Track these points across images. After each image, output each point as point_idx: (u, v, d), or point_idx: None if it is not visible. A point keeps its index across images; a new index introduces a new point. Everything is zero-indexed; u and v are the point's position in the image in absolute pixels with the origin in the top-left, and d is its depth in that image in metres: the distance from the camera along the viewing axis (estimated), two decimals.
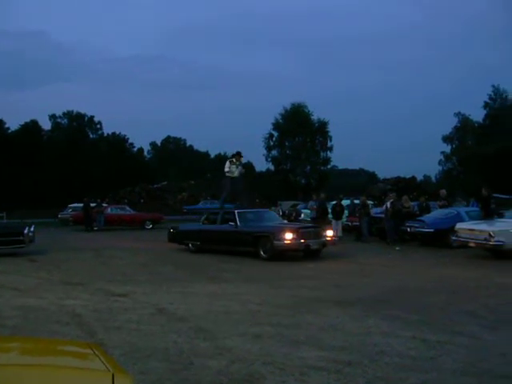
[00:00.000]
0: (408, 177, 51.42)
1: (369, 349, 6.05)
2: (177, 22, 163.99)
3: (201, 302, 9.02)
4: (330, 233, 16.49)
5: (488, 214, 17.75)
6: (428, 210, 20.88)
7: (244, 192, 19.60)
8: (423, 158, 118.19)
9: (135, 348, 6.17)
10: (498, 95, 64.84)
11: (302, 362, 5.59)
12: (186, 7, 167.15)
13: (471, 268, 13.21)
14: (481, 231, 14.84)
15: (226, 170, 18.14)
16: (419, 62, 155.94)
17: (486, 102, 65.44)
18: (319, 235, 15.66)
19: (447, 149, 69.09)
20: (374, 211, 23.15)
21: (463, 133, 67.02)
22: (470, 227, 15.56)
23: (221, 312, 8.17)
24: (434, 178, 76.62)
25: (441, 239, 17.63)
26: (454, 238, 16.19)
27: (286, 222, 19.76)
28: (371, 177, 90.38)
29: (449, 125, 68.68)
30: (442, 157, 69.67)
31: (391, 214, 19.81)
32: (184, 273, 13.00)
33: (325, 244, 15.73)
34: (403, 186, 43.20)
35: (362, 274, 12.42)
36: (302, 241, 14.95)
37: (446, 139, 68.84)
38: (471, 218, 17.53)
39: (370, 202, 25.26)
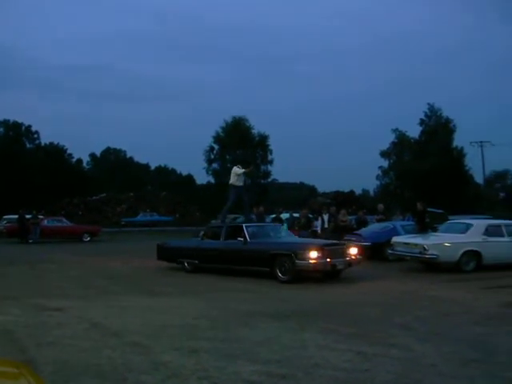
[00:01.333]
0: (347, 191, 52.31)
1: (304, 362, 6.09)
2: (113, 31, 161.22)
3: (137, 316, 8.91)
4: (353, 251, 13.89)
5: (423, 228, 18.22)
6: (365, 224, 21.28)
7: (248, 203, 17.58)
8: (362, 172, 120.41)
9: (68, 365, 6.02)
10: (433, 112, 66.74)
11: (237, 376, 5.58)
12: (120, 16, 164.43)
13: (406, 281, 13.48)
14: (416, 245, 15.22)
15: (235, 178, 16.06)
16: (359, 78, 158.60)
17: (421, 119, 67.25)
18: (344, 253, 13.59)
19: (385, 164, 70.60)
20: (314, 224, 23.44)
21: (400, 148, 68.63)
22: (406, 241, 15.94)
23: (157, 326, 8.08)
24: (372, 193, 78.19)
25: (377, 252, 17.94)
26: (390, 251, 16.53)
27: (303, 237, 17.57)
28: (311, 190, 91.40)
29: (387, 140, 70.27)
30: (379, 172, 71.15)
31: (332, 228, 20.26)
32: (121, 286, 12.79)
33: (350, 264, 13.63)
34: (342, 199, 43.81)
35: (296, 287, 12.49)
36: (328, 260, 12.89)
37: (384, 154, 70.36)
38: (407, 232, 17.94)
39: (309, 216, 25.55)
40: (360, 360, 6.19)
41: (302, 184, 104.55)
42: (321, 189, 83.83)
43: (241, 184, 16.20)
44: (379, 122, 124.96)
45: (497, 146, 75.44)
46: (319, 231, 21.10)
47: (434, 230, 17.64)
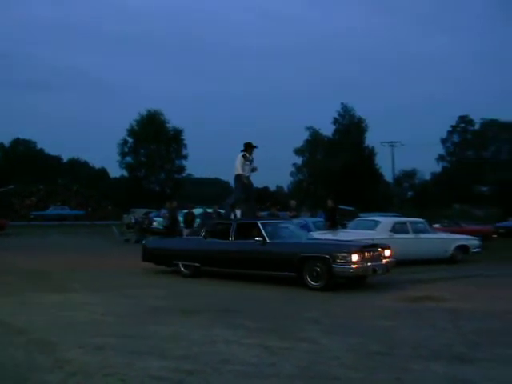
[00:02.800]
0: (261, 187, 52.81)
1: (212, 357, 6.11)
2: (22, 19, 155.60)
3: (43, 313, 8.64)
4: (387, 252, 12.09)
5: (333, 224, 18.68)
6: None
7: (252, 197, 14.89)
8: (276, 169, 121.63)
9: None
10: (346, 112, 68.39)
11: (145, 372, 5.53)
12: (31, 3, 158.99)
13: None
14: None
15: (239, 168, 13.86)
16: (275, 77, 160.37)
17: (335, 118, 68.81)
18: (381, 256, 11.91)
19: (299, 161, 71.80)
20: None
21: (314, 146, 69.97)
22: (315, 237, 16.25)
23: (63, 323, 7.88)
24: (286, 189, 79.37)
25: None
26: None
27: (333, 237, 15.46)
28: (226, 186, 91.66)
29: (301, 138, 71.45)
30: (293, 168, 72.31)
31: None
32: (28, 282, 12.36)
33: (388, 268, 11.99)
34: (256, 195, 44.17)
35: (209, 282, 12.52)
36: (369, 264, 11.32)
37: (298, 152, 71.57)
38: (317, 229, 18.31)
39: (222, 212, 25.60)
40: (268, 354, 6.27)
41: (217, 179, 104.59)
42: None
43: (248, 174, 14.06)
44: (295, 119, 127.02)
45: (406, 146, 78.06)
46: None
47: (344, 226, 18.11)
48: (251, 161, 14.13)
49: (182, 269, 13.37)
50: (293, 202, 23.13)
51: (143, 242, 15.40)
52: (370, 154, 66.58)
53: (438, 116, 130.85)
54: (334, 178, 56.26)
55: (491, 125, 78.98)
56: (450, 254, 17.34)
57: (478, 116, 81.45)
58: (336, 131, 68.23)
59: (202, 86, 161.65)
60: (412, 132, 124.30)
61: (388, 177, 73.01)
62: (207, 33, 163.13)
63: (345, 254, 11.02)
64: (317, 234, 16.72)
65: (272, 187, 76.46)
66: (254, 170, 14.23)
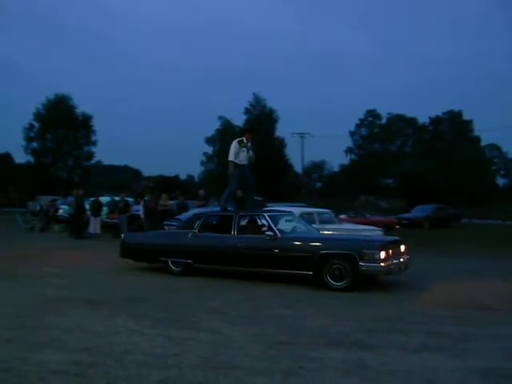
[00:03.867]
0: (172, 175, 52.38)
1: (114, 348, 6.02)
2: None
3: None
4: (403, 248, 11.21)
5: None
6: (186, 209, 21.47)
7: (253, 187, 13.25)
8: (188, 157, 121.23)
9: None
10: (257, 102, 68.80)
11: (42, 366, 5.38)
12: None
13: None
14: None
15: (232, 155, 12.55)
16: (190, 66, 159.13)
17: (246, 108, 69.09)
18: (402, 252, 11.12)
19: (210, 150, 71.70)
20: (135, 209, 23.23)
21: (225, 136, 70.05)
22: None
23: None
24: (196, 178, 79.13)
25: None
26: None
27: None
28: (136, 174, 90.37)
29: (212, 127, 71.37)
30: (204, 158, 72.11)
31: (145, 212, 20.38)
32: None
33: (407, 265, 11.10)
34: (166, 184, 43.82)
35: (114, 272, 12.36)
36: (396, 261, 10.51)
37: (209, 141, 71.47)
38: None
39: (130, 200, 25.29)
40: (171, 345, 6.25)
41: (126, 167, 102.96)
42: (146, 172, 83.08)
43: (244, 162, 12.69)
44: (207, 108, 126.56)
45: (316, 138, 79.63)
46: (142, 215, 21.01)
47: None
48: (248, 148, 12.86)
49: (172, 266, 12.11)
50: (201, 192, 23.07)
51: (122, 236, 13.64)
52: (280, 144, 67.39)
53: (348, 109, 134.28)
54: None
55: (397, 119, 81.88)
56: None
57: (384, 110, 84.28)
58: (247, 121, 68.53)
59: (112, 72, 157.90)
60: (322, 124, 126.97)
61: (297, 168, 74.31)
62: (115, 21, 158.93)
63: (373, 251, 10.12)
64: None
65: (183, 176, 76.17)
66: (250, 158, 12.88)
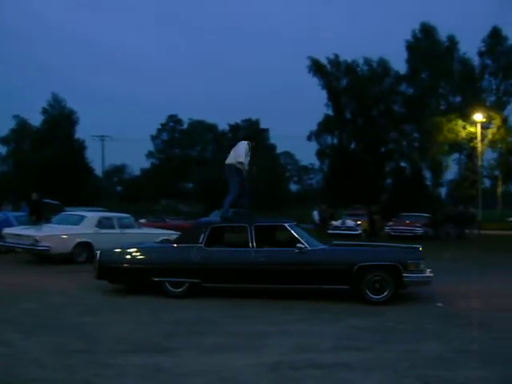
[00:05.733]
0: None
1: None
2: None
3: None
4: None
5: (38, 218, 18.05)
6: None
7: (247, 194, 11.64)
8: None
9: None
10: (56, 102, 66.17)
11: None
12: None
13: (16, 274, 13.20)
14: (28, 236, 14.98)
15: (243, 156, 11.03)
16: None
17: (44, 108, 66.16)
18: None
19: (4, 150, 67.65)
20: None
21: (20, 136, 66.46)
22: (17, 232, 15.56)
23: None
24: None
25: None
26: (1, 243, 15.89)
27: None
28: None
29: (7, 127, 67.43)
30: None
31: None
32: None
33: None
34: None
35: None
36: (429, 271, 10.05)
37: (3, 141, 67.48)
38: (20, 223, 17.53)
39: None
40: None
41: None
42: None
43: (246, 168, 11.15)
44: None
45: (117, 141, 78.59)
46: None
47: (49, 221, 17.58)
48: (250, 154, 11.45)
49: (169, 287, 10.18)
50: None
51: (97, 253, 10.85)
52: (80, 147, 65.44)
53: (151, 114, 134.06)
54: (41, 169, 53.98)
55: (198, 125, 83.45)
56: None
57: (186, 116, 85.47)
58: (45, 122, 65.65)
59: None
60: (124, 128, 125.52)
61: (98, 171, 72.58)
62: None
63: (417, 261, 9.77)
64: (17, 229, 15.99)
65: None
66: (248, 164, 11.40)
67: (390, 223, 30.78)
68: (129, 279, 10.69)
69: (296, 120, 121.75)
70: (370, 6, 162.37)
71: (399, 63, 53.49)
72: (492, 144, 46.93)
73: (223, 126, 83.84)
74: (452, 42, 49.60)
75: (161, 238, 17.97)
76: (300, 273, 9.82)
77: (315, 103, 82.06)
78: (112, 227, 16.32)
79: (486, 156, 48.29)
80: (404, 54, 50.76)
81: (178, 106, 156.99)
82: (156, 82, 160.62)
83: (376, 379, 5.47)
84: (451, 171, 50.46)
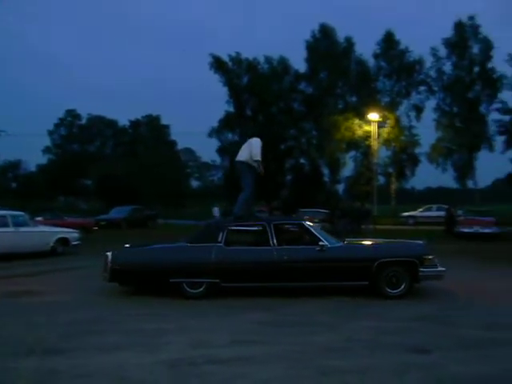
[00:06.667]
0: None
1: None
2: None
3: None
4: None
5: None
6: None
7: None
8: None
9: None
10: None
11: None
12: None
13: None
14: None
15: (259, 153, 10.93)
16: None
17: None
18: None
19: None
20: None
21: None
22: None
23: None
24: None
25: None
26: None
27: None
28: None
29: None
30: None
31: None
32: None
33: None
34: None
35: None
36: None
37: None
38: None
39: None
40: None
41: None
42: None
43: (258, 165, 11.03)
44: None
45: (12, 136, 75.37)
46: None
47: None
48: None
49: (187, 288, 9.98)
50: None
51: (107, 254, 10.28)
52: None
53: (48, 108, 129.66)
54: None
55: (97, 121, 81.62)
56: (50, 246, 17.52)
57: (85, 111, 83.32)
58: None
59: None
60: (19, 122, 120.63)
61: None
62: None
63: (431, 256, 10.16)
64: None
65: None
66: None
67: None
68: (144, 281, 10.39)
69: (197, 117, 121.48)
70: (269, 5, 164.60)
71: (299, 62, 54.70)
72: (386, 142, 48.82)
73: (123, 121, 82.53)
74: (349, 43, 51.13)
75: (58, 237, 17.75)
76: (321, 270, 9.96)
77: (217, 100, 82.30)
78: (6, 225, 15.78)
79: (381, 154, 50.15)
80: (304, 54, 51.87)
81: (77, 101, 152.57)
82: (54, 75, 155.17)
83: (274, 371, 5.62)
84: (348, 168, 51.98)
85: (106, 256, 10.21)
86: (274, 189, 47.63)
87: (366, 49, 56.80)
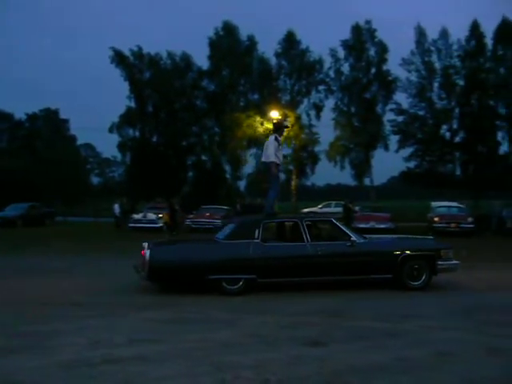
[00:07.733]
0: None
1: None
2: None
3: None
4: None
5: None
6: None
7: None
8: None
9: None
10: None
11: None
12: None
13: None
14: None
15: (273, 155, 11.20)
16: None
17: None
18: None
19: None
20: None
21: None
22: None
23: None
24: None
25: None
26: None
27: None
28: None
29: None
30: None
31: None
32: None
33: None
34: None
35: None
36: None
37: None
38: None
39: None
40: None
41: None
42: None
43: (279, 162, 11.61)
44: None
45: None
46: None
47: None
48: (280, 145, 11.67)
49: (226, 285, 10.10)
50: None
51: (147, 251, 10.08)
52: None
53: None
54: None
55: None
56: None
57: None
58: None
59: None
60: None
61: None
62: None
63: (448, 250, 10.97)
64: None
65: None
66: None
67: (191, 216, 31.24)
68: (183, 278, 10.40)
69: (98, 111, 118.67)
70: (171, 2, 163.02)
71: (202, 59, 54.48)
72: (287, 140, 49.62)
73: (20, 114, 79.34)
74: (252, 41, 51.47)
75: None
76: (352, 264, 10.50)
77: (117, 95, 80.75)
78: None
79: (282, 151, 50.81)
80: (206, 51, 51.73)
81: None
82: None
83: (170, 369, 5.63)
84: (249, 165, 52.35)
85: (145, 255, 10.08)
86: (176, 185, 47.32)
87: (268, 48, 57.41)
